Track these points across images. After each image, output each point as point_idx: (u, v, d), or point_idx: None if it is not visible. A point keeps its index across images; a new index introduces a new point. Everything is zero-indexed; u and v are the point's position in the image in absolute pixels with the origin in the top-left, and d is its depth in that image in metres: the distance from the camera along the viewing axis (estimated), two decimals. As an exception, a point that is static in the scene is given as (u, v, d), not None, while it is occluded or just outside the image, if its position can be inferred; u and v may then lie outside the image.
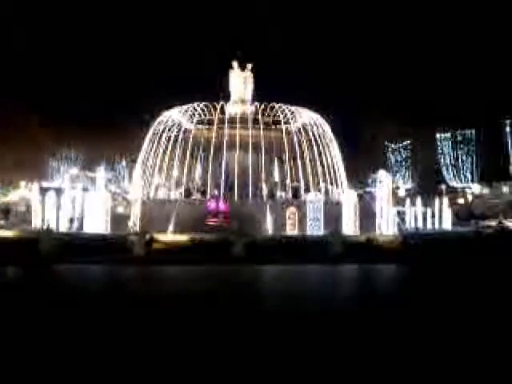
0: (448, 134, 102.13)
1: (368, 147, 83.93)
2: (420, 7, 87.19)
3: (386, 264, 21.55)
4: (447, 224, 40.40)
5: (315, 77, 79.49)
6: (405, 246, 24.58)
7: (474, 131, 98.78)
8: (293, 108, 37.90)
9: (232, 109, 38.36)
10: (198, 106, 37.61)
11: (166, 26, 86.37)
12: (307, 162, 36.25)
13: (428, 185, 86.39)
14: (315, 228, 29.19)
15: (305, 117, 38.55)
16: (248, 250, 22.53)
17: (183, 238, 24.10)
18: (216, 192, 34.84)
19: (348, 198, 31.31)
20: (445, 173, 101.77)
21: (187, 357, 8.07)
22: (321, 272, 20.56)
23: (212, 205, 31.17)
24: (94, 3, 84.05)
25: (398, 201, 46.26)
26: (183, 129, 37.55)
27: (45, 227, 26.54)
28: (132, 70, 78.07)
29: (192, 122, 37.96)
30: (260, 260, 21.56)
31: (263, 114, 37.24)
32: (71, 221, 31.83)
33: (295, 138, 36.41)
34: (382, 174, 33.97)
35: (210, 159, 35.85)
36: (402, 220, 36.66)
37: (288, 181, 37.08)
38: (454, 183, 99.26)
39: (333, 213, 30.21)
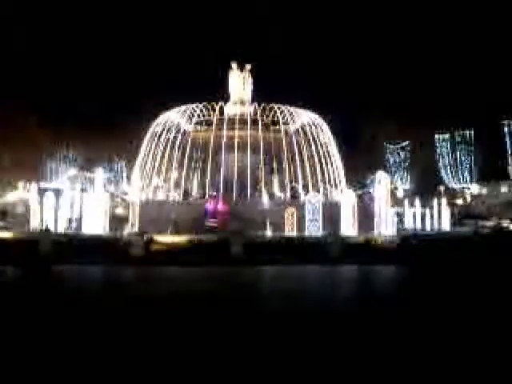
0: (446, 135, 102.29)
1: (367, 148, 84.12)
2: (420, 8, 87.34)
3: (385, 265, 21.55)
4: (446, 224, 40.48)
5: (314, 77, 79.63)
6: (403, 247, 24.57)
7: (472, 132, 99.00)
8: (292, 109, 37.94)
9: (231, 109, 38.37)
10: (197, 106, 37.62)
11: (166, 26, 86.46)
12: (306, 162, 36.26)
13: (427, 185, 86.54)
14: (314, 228, 29.22)
15: (304, 117, 38.58)
16: (247, 251, 22.53)
17: (182, 238, 24.09)
18: (215, 193, 34.86)
19: (347, 199, 31.33)
20: (443, 173, 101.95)
21: (187, 358, 8.08)
22: (320, 273, 20.56)
23: (211, 206, 31.18)
24: (94, 3, 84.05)
25: (397, 201, 46.33)
26: (182, 130, 37.55)
27: (43, 228, 26.54)
28: (131, 71, 78.11)
29: (191, 123, 37.97)
30: (259, 261, 21.57)
31: (262, 115, 37.27)
32: (70, 221, 31.83)
33: (294, 139, 36.44)
34: (380, 174, 33.99)
35: (209, 160, 35.85)
36: (401, 220, 36.72)
37: (287, 181, 37.11)
38: (453, 183, 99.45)
39: (331, 213, 30.24)
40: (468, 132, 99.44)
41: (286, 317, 11.32)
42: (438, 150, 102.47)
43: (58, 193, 34.52)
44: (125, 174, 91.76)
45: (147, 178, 38.18)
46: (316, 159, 36.60)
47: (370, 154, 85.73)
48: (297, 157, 35.69)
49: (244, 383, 7.04)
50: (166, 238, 24.29)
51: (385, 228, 31.47)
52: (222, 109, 37.52)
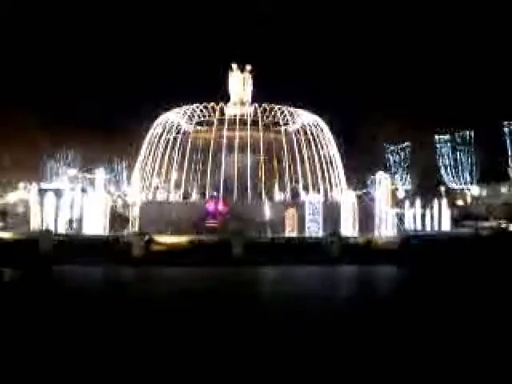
0: (447, 136, 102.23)
1: (367, 148, 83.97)
2: (420, 9, 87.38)
3: (385, 265, 21.54)
4: (446, 225, 40.44)
5: (314, 78, 79.62)
6: (404, 248, 24.56)
7: (472, 133, 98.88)
8: (292, 109, 37.95)
9: (231, 110, 38.37)
10: (197, 107, 37.65)
11: (166, 27, 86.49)
12: (306, 163, 36.27)
13: (427, 186, 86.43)
14: (314, 229, 29.20)
15: (304, 118, 38.59)
16: (247, 252, 22.52)
17: (182, 239, 24.08)
18: (215, 193, 34.86)
19: (347, 199, 31.31)
20: (444, 174, 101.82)
21: (187, 360, 8.07)
22: (320, 273, 20.56)
23: (211, 206, 31.18)
24: (94, 3, 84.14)
25: (397, 202, 46.27)
26: (182, 130, 37.56)
27: (44, 228, 26.53)
28: (131, 71, 78.10)
29: (191, 124, 37.98)
30: (259, 261, 21.57)
31: (262, 116, 37.28)
32: (70, 222, 31.81)
33: (294, 139, 36.44)
34: (380, 174, 33.98)
35: (209, 161, 35.85)
36: (401, 221, 36.67)
37: (287, 182, 37.09)
38: (453, 184, 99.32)
39: (332, 214, 30.23)
40: (468, 133, 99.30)
41: (287, 317, 11.31)
42: (439, 151, 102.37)
43: (58, 193, 34.49)
44: (125, 175, 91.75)
45: (147, 178, 38.19)
46: (316, 159, 36.60)
47: (370, 155, 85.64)
48: (297, 157, 35.70)
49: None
50: (167, 239, 24.28)
51: (385, 228, 31.46)
52: (222, 109, 37.53)
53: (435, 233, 36.17)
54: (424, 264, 21.41)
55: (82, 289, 15.80)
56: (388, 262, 21.81)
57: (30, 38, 74.82)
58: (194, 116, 37.73)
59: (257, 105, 37.60)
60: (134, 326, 10.30)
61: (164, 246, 23.54)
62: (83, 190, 38.01)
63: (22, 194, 63.71)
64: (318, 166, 36.59)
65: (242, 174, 34.99)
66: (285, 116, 37.72)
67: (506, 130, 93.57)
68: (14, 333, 9.58)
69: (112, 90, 75.07)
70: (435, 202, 41.28)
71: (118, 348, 8.64)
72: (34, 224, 31.77)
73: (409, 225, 37.59)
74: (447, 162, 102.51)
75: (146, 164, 37.61)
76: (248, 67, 40.57)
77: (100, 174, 32.46)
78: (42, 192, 35.41)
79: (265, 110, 37.39)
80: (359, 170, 72.87)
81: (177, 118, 38.38)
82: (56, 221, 31.12)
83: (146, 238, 23.29)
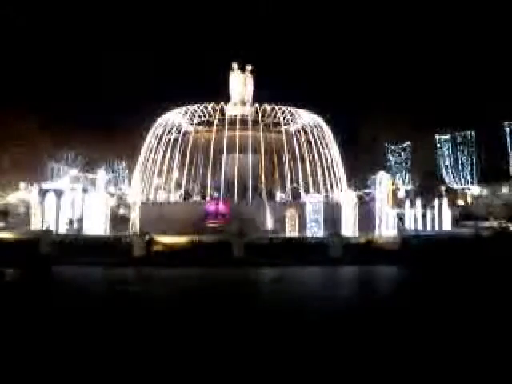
0: (448, 136, 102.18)
1: (368, 148, 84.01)
2: (420, 9, 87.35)
3: (386, 265, 21.53)
4: (447, 225, 40.42)
5: (315, 78, 79.61)
6: (405, 248, 24.52)
7: (473, 132, 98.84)
8: (293, 109, 37.96)
9: (232, 110, 38.38)
10: (198, 107, 37.66)
11: (166, 27, 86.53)
12: (307, 163, 36.27)
13: (428, 186, 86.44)
14: (315, 229, 29.18)
15: (305, 118, 38.59)
16: (248, 252, 22.51)
17: (183, 239, 24.07)
18: (216, 194, 34.86)
19: (348, 199, 31.29)
20: (444, 174, 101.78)
21: (186, 360, 8.07)
22: (321, 273, 20.56)
23: (212, 206, 31.18)
24: (94, 4, 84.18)
25: (398, 202, 46.27)
26: (183, 131, 37.57)
27: (44, 229, 26.52)
28: (132, 71, 78.09)
29: (192, 124, 37.98)
30: (260, 262, 21.55)
31: (263, 116, 37.29)
32: (71, 222, 31.83)
33: (295, 139, 36.45)
34: (381, 174, 33.97)
35: (210, 161, 35.86)
36: (402, 221, 36.66)
37: (288, 182, 37.09)
38: (454, 184, 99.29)
39: (332, 214, 30.21)
40: (469, 133, 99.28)
41: (286, 318, 11.30)
42: (439, 151, 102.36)
43: (59, 193, 34.52)
44: (126, 175, 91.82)
45: (148, 178, 38.21)
46: (317, 160, 36.61)
47: (370, 155, 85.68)
48: (298, 157, 35.71)
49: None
50: (167, 239, 24.26)
51: (386, 228, 31.45)
52: (222, 109, 37.55)
53: (436, 233, 36.15)
54: (425, 264, 21.39)
55: (81, 289, 15.79)
56: (389, 262, 21.78)
57: (30, 39, 74.90)
58: (194, 116, 37.74)
59: (257, 105, 37.63)
60: (134, 326, 10.30)
61: (164, 247, 23.52)
62: (84, 191, 38.04)
63: (23, 194, 63.74)
64: (318, 166, 36.60)
65: (243, 175, 35.00)
66: (285, 116, 37.72)
67: (506, 129, 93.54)
68: (13, 333, 9.58)
69: (113, 90, 75.08)
70: (436, 202, 41.28)
71: (116, 348, 8.64)
72: (35, 224, 31.80)
73: (409, 225, 37.58)
74: (448, 162, 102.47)
75: (147, 164, 37.63)
76: (249, 67, 40.57)
77: (101, 174, 32.49)
78: (42, 192, 35.44)
79: (265, 110, 37.40)
80: (360, 170, 72.91)
81: (177, 118, 38.39)
82: (57, 221, 31.15)
83: (147, 238, 23.28)
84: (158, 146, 37.21)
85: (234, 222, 28.04)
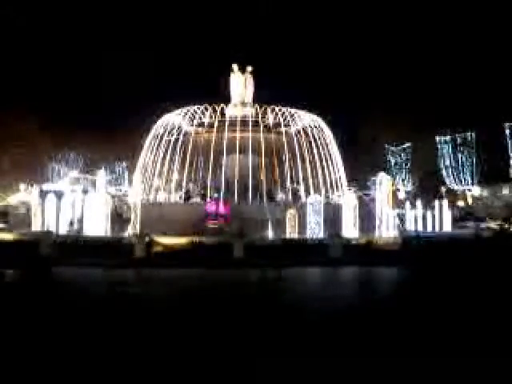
0: (448, 137, 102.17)
1: (368, 149, 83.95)
2: (420, 9, 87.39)
3: (386, 266, 21.53)
4: (447, 226, 40.39)
5: (315, 79, 79.63)
6: (405, 249, 24.53)
7: (473, 133, 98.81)
8: (293, 110, 37.96)
9: (232, 111, 38.39)
10: (199, 108, 37.66)
11: (166, 28, 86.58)
12: (307, 164, 36.25)
13: (428, 187, 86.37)
14: (315, 230, 29.17)
15: (305, 119, 38.59)
16: (248, 253, 22.51)
17: (183, 240, 24.06)
18: (216, 195, 34.86)
19: (348, 200, 31.29)
20: (445, 175, 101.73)
21: (185, 361, 8.06)
22: (321, 274, 20.56)
23: (212, 207, 31.18)
24: (95, 4, 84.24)
25: (398, 203, 46.23)
26: (183, 131, 37.57)
27: (45, 230, 26.53)
28: (132, 72, 78.09)
29: (192, 125, 37.98)
30: (260, 263, 21.54)
31: (263, 117, 37.30)
32: (71, 223, 31.80)
33: (295, 140, 36.44)
34: (381, 176, 33.95)
35: (210, 162, 35.85)
36: (402, 222, 36.63)
37: (288, 183, 37.05)
38: (454, 185, 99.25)
39: (333, 215, 30.20)
40: (469, 134, 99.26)
41: (286, 319, 11.30)
42: (440, 152, 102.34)
43: (59, 194, 34.51)
44: (126, 176, 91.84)
45: (148, 179, 38.21)
46: (317, 161, 36.60)
47: (371, 156, 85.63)
48: (298, 158, 35.69)
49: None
50: (167, 240, 24.26)
51: (386, 229, 31.43)
52: (223, 110, 37.56)
53: (436, 234, 36.13)
54: (425, 265, 21.38)
55: (81, 290, 15.79)
56: (389, 263, 21.79)
57: (31, 40, 74.92)
58: (195, 117, 37.74)
59: (258, 106, 37.64)
60: (133, 327, 10.29)
61: (164, 248, 23.52)
62: (84, 192, 38.02)
63: (24, 195, 63.78)
64: (319, 167, 36.59)
65: (243, 176, 35.00)
66: (286, 117, 37.72)
67: (507, 130, 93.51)
68: (13, 334, 9.58)
69: (113, 90, 75.09)
70: (436, 203, 41.25)
71: (115, 349, 8.63)
72: (35, 225, 31.78)
73: (410, 226, 37.55)
74: (448, 163, 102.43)
75: (147, 165, 37.63)
76: (249, 68, 40.60)
77: (101, 175, 32.48)
78: (43, 193, 35.43)
79: (266, 111, 37.40)
80: (360, 171, 72.85)
81: (178, 119, 38.40)
82: (57, 222, 31.15)
83: (147, 239, 23.27)
84: (158, 147, 37.21)
85: (234, 223, 28.04)
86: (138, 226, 28.73)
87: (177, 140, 36.90)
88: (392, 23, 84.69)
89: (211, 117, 37.52)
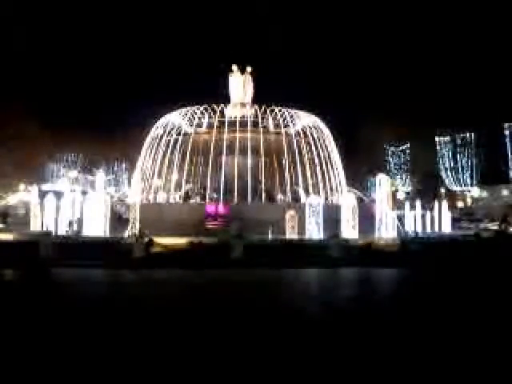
0: (447, 138, 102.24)
1: (367, 150, 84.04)
2: (420, 9, 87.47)
3: (386, 268, 21.51)
4: (447, 227, 40.42)
5: (314, 80, 79.70)
6: (404, 250, 24.52)
7: (473, 134, 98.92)
8: (292, 111, 37.98)
9: (231, 112, 38.40)
10: (198, 109, 37.67)
11: (166, 29, 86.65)
12: (307, 165, 36.26)
13: (427, 188, 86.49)
14: (315, 231, 29.17)
15: (304, 120, 38.61)
16: (247, 254, 22.49)
17: (182, 241, 24.05)
18: (215, 195, 34.85)
19: (347, 202, 31.29)
20: (444, 176, 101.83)
21: (185, 363, 8.05)
22: (320, 275, 20.54)
23: (211, 208, 31.17)
24: (94, 5, 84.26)
25: (398, 204, 46.26)
26: (183, 132, 37.57)
27: (44, 230, 26.51)
28: (132, 73, 78.14)
29: (191, 126, 37.99)
30: (259, 263, 21.53)
31: (263, 117, 37.31)
32: (70, 224, 31.80)
33: (294, 141, 36.43)
34: (381, 177, 33.96)
35: (210, 162, 35.86)
36: (402, 223, 36.64)
37: (287, 184, 37.07)
38: (454, 186, 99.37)
39: (332, 216, 30.19)
40: (469, 134, 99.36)
41: (285, 320, 11.29)
42: (439, 153, 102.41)
43: (58, 195, 34.51)
44: (126, 176, 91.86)
45: (148, 180, 38.21)
46: (317, 161, 36.61)
47: (370, 157, 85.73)
48: (297, 159, 35.69)
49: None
50: (166, 240, 24.25)
51: (385, 231, 31.42)
52: (222, 111, 37.56)
53: (435, 235, 36.15)
54: (424, 266, 21.37)
55: (80, 291, 15.77)
56: (388, 265, 21.77)
57: (31, 40, 74.95)
58: (194, 118, 37.75)
59: (257, 106, 37.65)
60: (132, 328, 10.28)
61: (164, 248, 23.50)
62: (84, 192, 38.01)
63: (23, 195, 63.80)
64: (318, 168, 36.60)
65: (243, 176, 35.00)
66: (285, 118, 37.74)
67: (506, 131, 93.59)
68: (13, 334, 9.58)
69: (113, 91, 75.17)
70: (435, 204, 41.28)
71: (114, 350, 8.63)
72: (35, 225, 31.78)
73: (409, 227, 37.56)
74: (448, 164, 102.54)
75: (147, 166, 37.64)
76: (248, 69, 40.64)
77: (100, 176, 32.48)
78: (42, 194, 35.44)
79: (265, 111, 37.42)
80: (359, 172, 72.94)
81: (177, 119, 38.42)
82: (56, 222, 31.14)
83: (146, 239, 23.25)
84: (157, 148, 37.22)
85: (233, 224, 28.02)
86: (137, 227, 28.72)
87: (176, 140, 36.91)
88: (392, 24, 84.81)
89: (210, 117, 37.54)
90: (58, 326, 10.32)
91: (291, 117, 37.90)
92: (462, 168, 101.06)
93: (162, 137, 37.46)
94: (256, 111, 37.38)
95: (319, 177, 36.73)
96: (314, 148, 36.71)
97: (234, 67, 40.62)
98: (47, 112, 69.90)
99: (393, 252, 24.27)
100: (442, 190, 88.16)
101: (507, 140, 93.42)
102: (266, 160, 37.41)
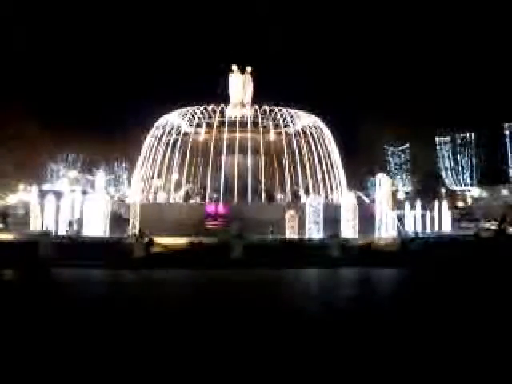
0: (447, 137, 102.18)
1: (367, 150, 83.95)
2: (420, 9, 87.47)
3: (385, 267, 21.50)
4: (447, 227, 40.42)
5: (314, 80, 79.69)
6: (404, 250, 24.51)
7: (473, 134, 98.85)
8: (292, 111, 37.97)
9: (231, 112, 38.38)
10: (198, 109, 37.66)
11: (166, 29, 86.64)
12: (307, 164, 36.25)
13: (427, 188, 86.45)
14: (315, 231, 29.16)
15: (304, 120, 38.60)
16: (247, 253, 22.48)
17: (182, 241, 24.05)
18: (215, 195, 34.84)
19: (347, 201, 31.27)
20: (444, 176, 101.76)
21: (184, 364, 8.05)
22: (320, 275, 20.54)
23: (211, 208, 31.17)
24: (94, 5, 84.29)
25: (398, 204, 46.24)
26: (182, 132, 37.56)
27: (44, 230, 26.50)
28: (132, 73, 78.16)
29: (191, 126, 37.98)
30: (259, 263, 21.52)
31: (263, 117, 37.29)
32: (70, 224, 31.80)
33: (294, 141, 36.42)
34: (381, 177, 33.94)
35: (210, 162, 35.84)
36: (402, 223, 36.63)
37: (287, 184, 37.07)
38: (454, 186, 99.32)
39: (332, 216, 30.18)
40: (469, 135, 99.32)
41: (285, 320, 11.29)
42: (439, 153, 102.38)
43: (58, 195, 34.50)
44: (125, 176, 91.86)
45: (148, 180, 38.20)
46: (316, 161, 36.60)
47: (370, 157, 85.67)
48: (297, 159, 35.68)
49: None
50: (166, 240, 24.24)
51: (385, 230, 31.41)
52: (222, 111, 37.54)
53: (436, 234, 36.13)
54: (424, 266, 21.37)
55: (80, 291, 15.77)
56: (388, 264, 21.76)
57: (31, 40, 74.89)
58: (194, 118, 37.74)
59: (257, 106, 37.64)
60: (132, 328, 10.28)
61: (164, 248, 23.49)
62: (84, 192, 38.01)
63: (23, 195, 63.78)
64: (318, 168, 36.59)
65: (243, 176, 34.98)
66: (285, 118, 37.73)
67: (506, 131, 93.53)
68: (12, 334, 9.57)
69: (113, 91, 75.16)
70: (435, 204, 41.28)
71: (114, 350, 8.63)
72: (35, 225, 31.77)
73: (409, 227, 37.56)
74: (448, 164, 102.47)
75: (147, 166, 37.63)
76: (248, 69, 40.61)
77: (100, 176, 32.46)
78: (42, 194, 35.43)
79: (265, 111, 37.41)
80: (359, 172, 72.91)
81: (177, 119, 38.42)
82: (56, 222, 31.13)
83: (146, 239, 23.24)
84: (157, 148, 37.21)
85: (233, 224, 28.01)
86: (137, 227, 28.71)
87: (176, 140, 36.90)
88: (392, 24, 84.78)
89: (210, 117, 37.53)
90: (58, 326, 10.32)
91: (291, 117, 37.89)
92: (462, 168, 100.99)
93: (161, 137, 37.46)
94: (256, 111, 37.36)
95: (319, 177, 36.72)
96: (313, 148, 36.69)
97: (234, 67, 40.60)
98: (47, 112, 69.86)
99: (393, 252, 24.27)
100: (442, 190, 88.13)
101: (507, 140, 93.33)
102: (266, 160, 37.39)
